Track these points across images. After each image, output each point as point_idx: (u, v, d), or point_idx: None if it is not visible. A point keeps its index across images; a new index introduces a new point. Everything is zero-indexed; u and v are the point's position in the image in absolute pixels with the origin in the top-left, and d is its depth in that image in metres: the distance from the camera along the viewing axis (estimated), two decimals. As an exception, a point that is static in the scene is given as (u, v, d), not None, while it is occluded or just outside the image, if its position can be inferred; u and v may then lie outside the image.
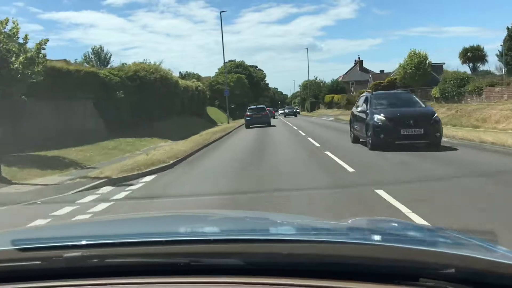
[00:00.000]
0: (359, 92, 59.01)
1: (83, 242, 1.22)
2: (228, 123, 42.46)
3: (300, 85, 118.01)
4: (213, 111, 58.68)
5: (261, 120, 30.31)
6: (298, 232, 1.55)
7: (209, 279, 1.07)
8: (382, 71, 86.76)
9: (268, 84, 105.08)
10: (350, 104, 59.07)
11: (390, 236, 1.45)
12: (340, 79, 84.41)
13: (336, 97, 62.05)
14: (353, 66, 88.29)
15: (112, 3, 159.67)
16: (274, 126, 31.68)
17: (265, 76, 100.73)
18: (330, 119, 39.92)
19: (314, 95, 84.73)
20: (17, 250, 1.18)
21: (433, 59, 47.48)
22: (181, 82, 34.46)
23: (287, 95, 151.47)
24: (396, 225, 1.74)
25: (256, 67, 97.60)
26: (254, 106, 35.57)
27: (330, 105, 67.49)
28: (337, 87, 69.06)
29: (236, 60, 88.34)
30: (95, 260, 1.14)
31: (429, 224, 3.04)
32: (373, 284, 1.01)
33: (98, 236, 1.41)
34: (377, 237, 1.36)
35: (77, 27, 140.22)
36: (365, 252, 1.07)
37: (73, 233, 1.63)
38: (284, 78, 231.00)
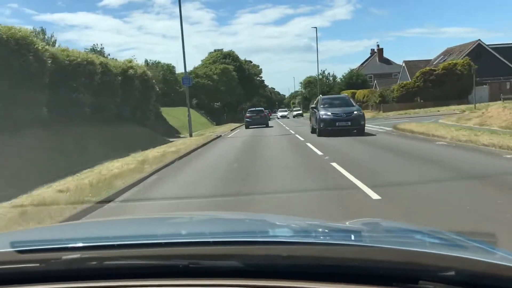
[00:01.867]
0: (399, 85, 39.98)
1: (82, 244, 1.20)
2: (191, 136, 23.68)
3: (301, 83, 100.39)
4: (183, 114, 40.32)
5: (260, 121, 31.95)
6: (297, 234, 1.53)
7: (208, 282, 1.06)
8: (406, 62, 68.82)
9: (264, 81, 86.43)
10: (385, 102, 40.85)
11: (390, 238, 1.41)
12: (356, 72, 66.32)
13: (361, 93, 43.50)
14: (371, 57, 70.05)
15: (108, 4, 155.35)
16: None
17: (260, 72, 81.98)
18: (381, 129, 21.25)
19: (321, 93, 66.52)
20: (16, 252, 1.15)
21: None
22: (55, 51, 15.75)
23: (284, 95, 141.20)
24: (396, 227, 1.78)
25: (251, 62, 78.95)
26: (254, 108, 37.30)
27: (347, 104, 49.27)
28: (357, 79, 50.59)
29: (225, 50, 69.93)
30: (94, 262, 1.12)
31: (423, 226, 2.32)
32: (372, 286, 1.00)
33: (97, 238, 1.38)
34: (376, 239, 1.35)
35: (72, 28, 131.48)
36: (364, 254, 1.06)
37: (72, 235, 1.59)
38: (281, 80, 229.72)
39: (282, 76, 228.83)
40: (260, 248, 1.12)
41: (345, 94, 27.50)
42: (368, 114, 37.33)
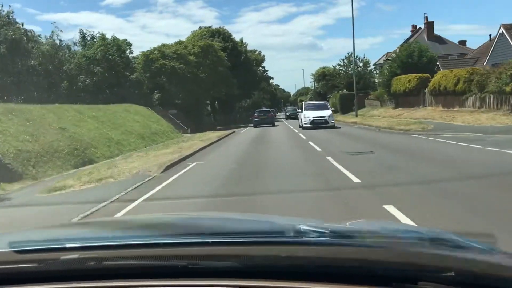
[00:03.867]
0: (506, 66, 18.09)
1: (80, 244, 1.19)
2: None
3: (313, 75, 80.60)
4: (105, 118, 20.61)
5: (266, 121, 32.83)
6: (296, 235, 1.48)
7: (207, 282, 1.04)
8: (462, 42, 49.09)
9: (267, 71, 66.01)
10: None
11: (389, 239, 1.36)
12: (394, 53, 46.51)
13: (447, 77, 23.12)
14: (414, 35, 50.27)
15: (111, 3, 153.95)
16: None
17: (262, 60, 61.63)
18: None
19: (348, 84, 46.67)
20: (14, 252, 1.13)
21: None
22: None
23: (290, 93, 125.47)
24: (395, 227, 1.73)
25: (254, 51, 58.77)
26: (261, 109, 38.34)
27: (405, 99, 29.03)
28: (420, 58, 30.39)
29: (214, 27, 49.86)
30: (92, 263, 1.10)
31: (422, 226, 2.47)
32: (372, 287, 0.99)
33: (95, 238, 1.37)
34: (376, 240, 1.33)
35: (76, 28, 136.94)
36: (364, 254, 1.04)
37: (70, 235, 1.57)
38: (285, 78, 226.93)
39: (287, 74, 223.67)
40: (259, 249, 1.10)
41: None
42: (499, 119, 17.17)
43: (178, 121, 32.46)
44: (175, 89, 35.37)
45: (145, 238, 1.29)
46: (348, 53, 48.06)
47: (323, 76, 76.00)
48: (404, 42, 50.38)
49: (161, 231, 1.56)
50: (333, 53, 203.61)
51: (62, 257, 1.09)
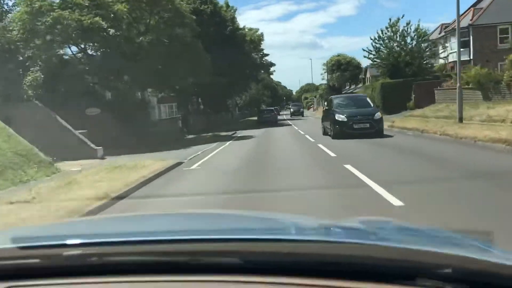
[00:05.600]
0: None
1: (83, 241, 1.20)
2: None
3: (324, 65, 63.97)
4: None
5: (270, 119, 34.54)
6: (297, 232, 1.52)
7: (208, 278, 1.05)
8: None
9: (267, 55, 47.83)
10: None
11: (388, 236, 1.41)
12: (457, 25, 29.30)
13: None
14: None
15: None
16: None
17: (259, 39, 43.62)
18: None
19: (393, 69, 29.37)
20: (17, 248, 1.15)
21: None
22: None
23: (291, 90, 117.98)
24: (394, 225, 1.75)
25: (250, 29, 41.00)
26: (266, 108, 42.33)
27: None
28: None
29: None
30: (94, 258, 1.12)
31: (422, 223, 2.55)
32: (370, 283, 1.00)
33: (98, 234, 1.39)
34: (375, 237, 1.35)
35: None
36: (363, 251, 1.05)
37: (72, 231, 1.58)
38: (286, 76, 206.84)
39: (288, 73, 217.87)
40: (260, 245, 1.11)
41: None
42: None
43: (78, 131, 15.20)
44: (88, 69, 18.14)
45: (147, 234, 1.27)
46: (389, 20, 30.35)
47: (338, 65, 58.72)
48: (475, 4, 33.18)
49: (162, 227, 1.54)
50: (333, 52, 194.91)
51: (65, 253, 1.09)
